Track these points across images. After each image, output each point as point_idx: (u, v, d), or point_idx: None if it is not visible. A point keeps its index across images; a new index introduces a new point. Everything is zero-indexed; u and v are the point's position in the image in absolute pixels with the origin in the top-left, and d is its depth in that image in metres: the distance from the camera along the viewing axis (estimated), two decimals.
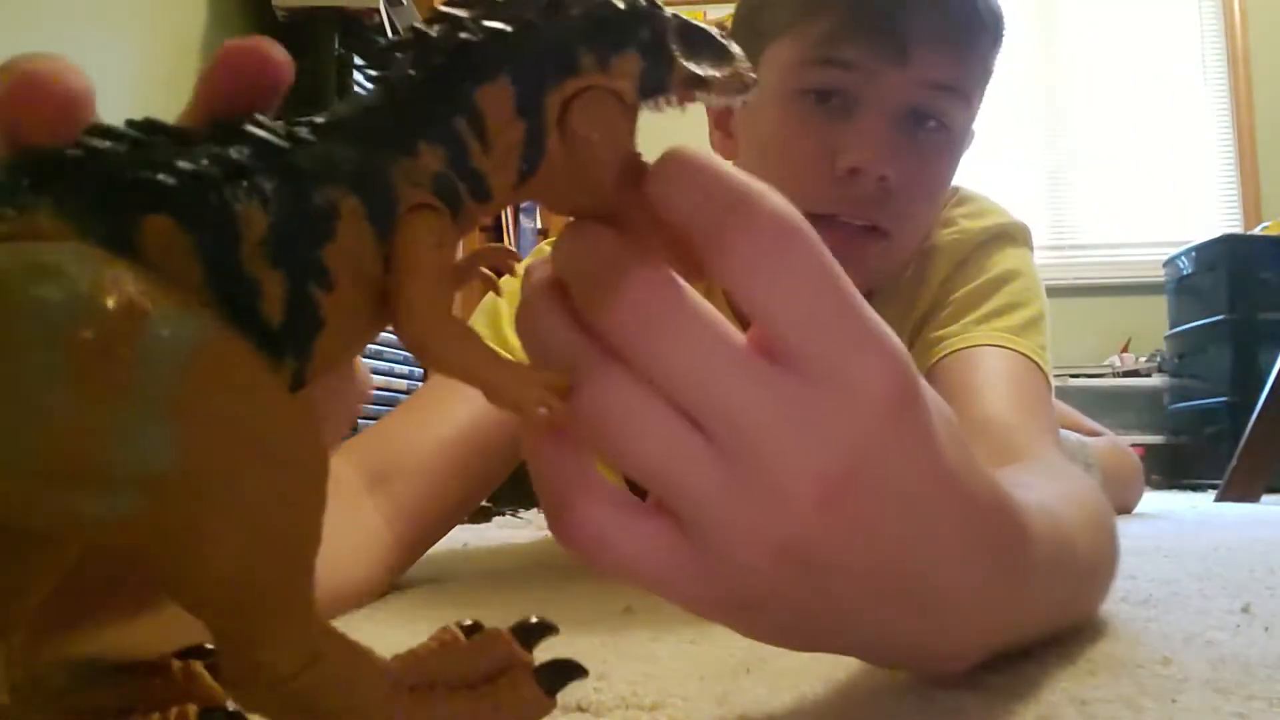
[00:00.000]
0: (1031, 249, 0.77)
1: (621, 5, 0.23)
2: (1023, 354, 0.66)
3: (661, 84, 0.24)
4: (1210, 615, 0.48)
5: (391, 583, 0.61)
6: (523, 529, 1.31)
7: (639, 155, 0.24)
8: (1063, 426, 0.75)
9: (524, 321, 0.25)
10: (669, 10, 0.24)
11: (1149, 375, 2.94)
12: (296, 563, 0.19)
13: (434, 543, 0.66)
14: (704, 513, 0.23)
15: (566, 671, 0.23)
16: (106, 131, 0.19)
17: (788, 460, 0.22)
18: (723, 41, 0.25)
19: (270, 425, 0.19)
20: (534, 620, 0.24)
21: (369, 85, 1.75)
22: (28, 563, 0.20)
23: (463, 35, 0.22)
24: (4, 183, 0.18)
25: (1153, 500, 1.68)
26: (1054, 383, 0.69)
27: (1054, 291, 0.75)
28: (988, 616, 0.29)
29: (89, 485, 0.17)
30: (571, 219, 0.24)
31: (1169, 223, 3.14)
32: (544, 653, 0.24)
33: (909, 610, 0.26)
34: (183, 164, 0.19)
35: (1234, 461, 1.81)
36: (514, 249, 0.31)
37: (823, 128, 0.65)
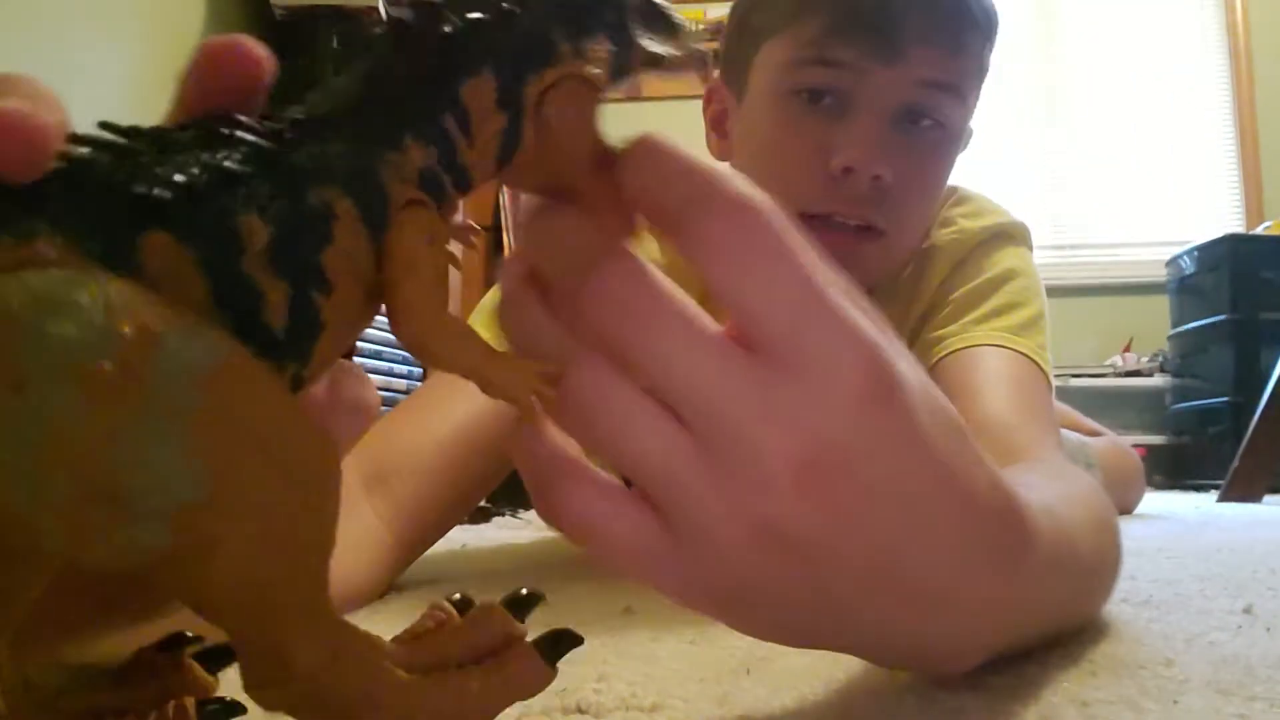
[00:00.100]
0: (1031, 248, 0.77)
1: None
2: (1023, 354, 0.66)
3: (626, 66, 0.24)
4: (1212, 616, 0.48)
5: (390, 583, 0.61)
6: (522, 529, 1.31)
7: (606, 139, 0.24)
8: (1062, 426, 0.75)
9: (505, 315, 0.25)
10: None
11: (1151, 375, 2.94)
12: (316, 566, 0.20)
13: (432, 543, 0.66)
14: (682, 500, 0.23)
15: (564, 641, 0.24)
16: (89, 140, 0.19)
17: (761, 443, 0.22)
18: (671, 16, 0.25)
19: (285, 436, 0.19)
20: (524, 592, 0.25)
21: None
22: (11, 573, 0.20)
23: (445, 28, 0.22)
24: None
25: (1155, 501, 1.68)
26: (1055, 383, 0.69)
27: (1056, 291, 0.75)
28: (989, 616, 0.29)
29: (118, 513, 0.17)
30: (536, 206, 0.25)
31: (1171, 222, 3.14)
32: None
33: (909, 608, 0.26)
34: (178, 176, 0.19)
35: (1236, 462, 1.81)
36: (477, 226, 0.31)
37: (816, 127, 0.64)
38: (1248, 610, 0.49)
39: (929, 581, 0.26)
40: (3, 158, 0.17)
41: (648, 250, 0.24)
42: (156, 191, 0.19)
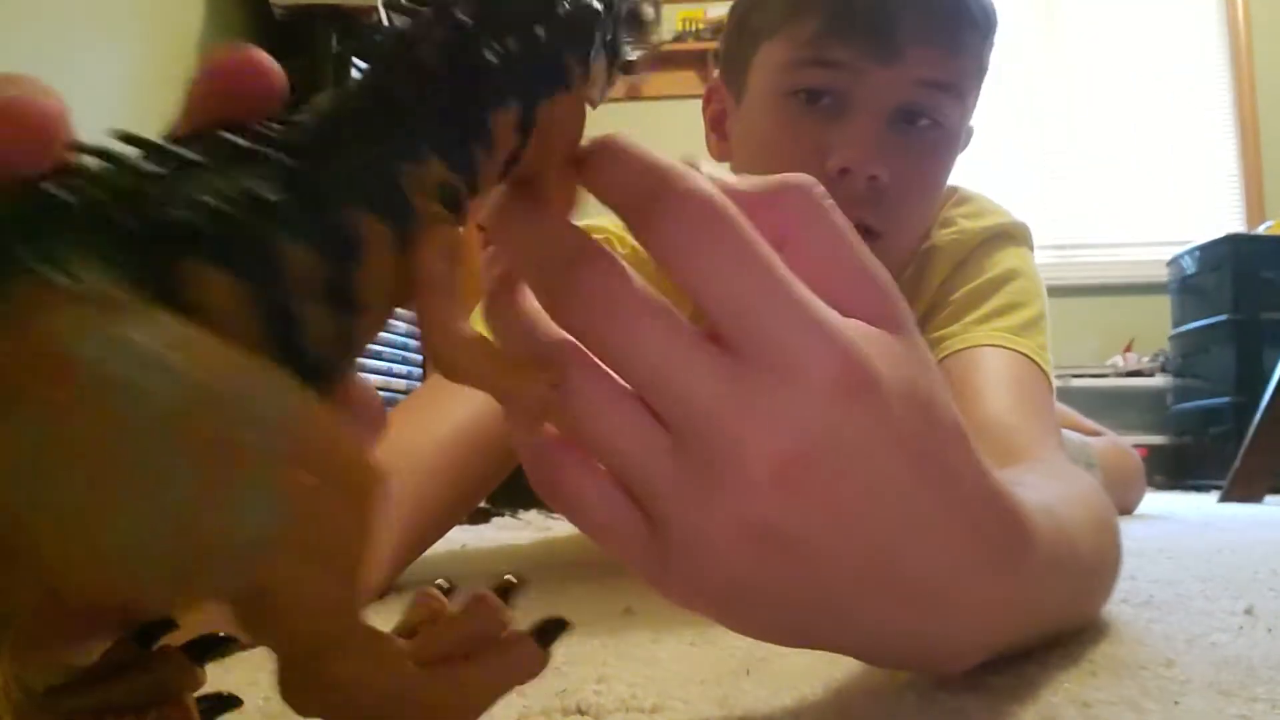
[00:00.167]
0: (1032, 248, 0.77)
1: (597, 3, 0.24)
2: (1023, 354, 0.66)
3: (615, 77, 0.25)
4: (1213, 617, 0.48)
5: (391, 583, 0.61)
6: (522, 530, 1.31)
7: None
8: (1062, 427, 0.75)
9: (488, 315, 0.25)
10: None
11: (1152, 375, 2.94)
12: (360, 579, 0.20)
13: (432, 543, 0.66)
14: (662, 499, 0.24)
15: (555, 627, 0.24)
16: (115, 157, 0.19)
17: (737, 441, 0.22)
18: (649, 20, 0.26)
19: (343, 465, 0.19)
20: (509, 579, 0.26)
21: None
22: (22, 591, 0.20)
23: (489, 58, 0.22)
24: (33, 237, 0.17)
25: (1156, 501, 1.68)
26: (1056, 383, 0.69)
27: (1056, 291, 0.75)
28: (989, 616, 0.29)
29: (202, 564, 0.17)
30: (500, 205, 0.25)
31: (1172, 222, 3.14)
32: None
33: (907, 607, 0.26)
34: (216, 202, 0.19)
35: (1238, 462, 1.81)
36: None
37: (814, 128, 0.64)
38: (1249, 611, 0.48)
39: (926, 580, 0.26)
40: (12, 145, 0.17)
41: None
42: (199, 220, 0.18)
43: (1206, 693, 0.33)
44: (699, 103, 0.79)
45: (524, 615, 0.26)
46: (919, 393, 0.25)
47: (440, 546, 0.70)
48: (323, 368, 0.20)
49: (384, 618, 0.21)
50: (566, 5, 0.23)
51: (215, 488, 0.17)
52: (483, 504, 1.38)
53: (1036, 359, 0.66)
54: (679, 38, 3.18)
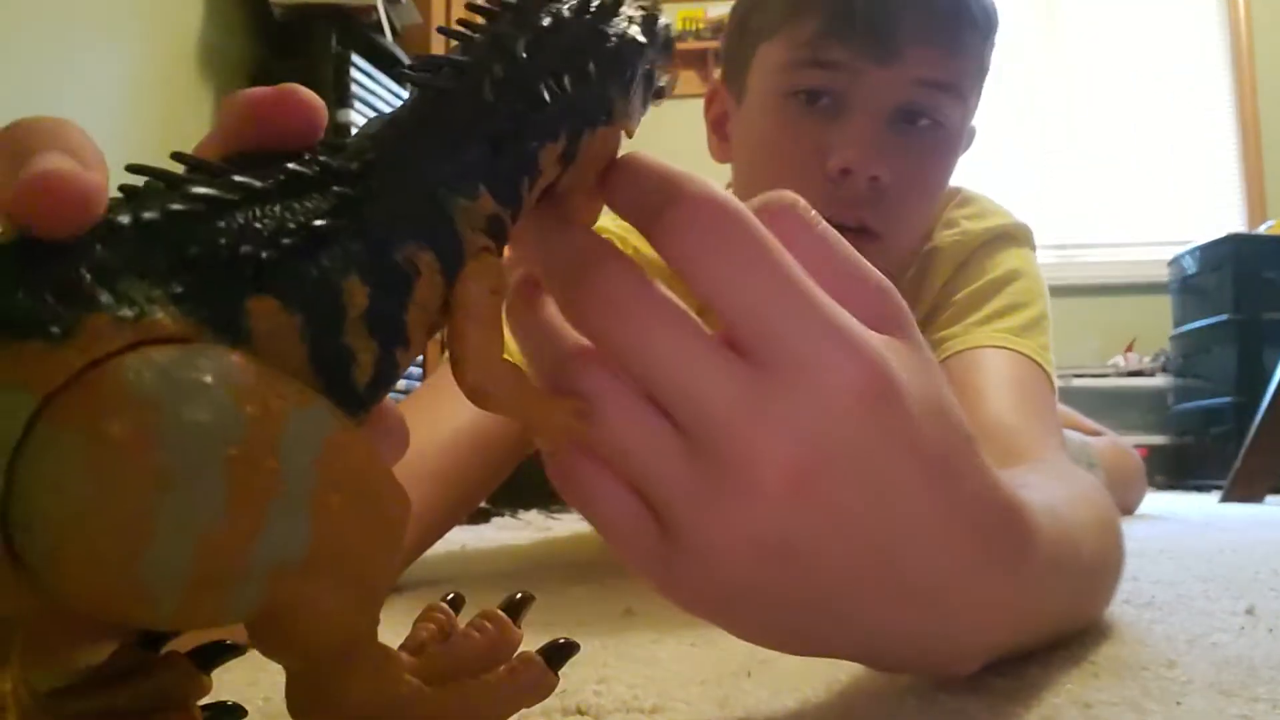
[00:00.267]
0: (1034, 249, 0.76)
1: (641, 36, 0.24)
2: (1025, 355, 0.66)
3: (648, 104, 0.26)
4: (1214, 617, 0.48)
5: (391, 584, 0.61)
6: (522, 530, 1.30)
7: None
8: (1062, 426, 0.75)
9: (510, 320, 0.25)
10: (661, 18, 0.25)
11: (1153, 375, 2.93)
12: (380, 601, 0.20)
13: (432, 544, 0.66)
14: (673, 504, 0.24)
15: (565, 650, 0.24)
16: (173, 181, 0.19)
17: (751, 449, 0.22)
18: (673, 45, 0.26)
19: (374, 493, 0.19)
20: (519, 596, 0.26)
21: (372, 87, 1.72)
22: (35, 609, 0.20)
23: (544, 95, 0.22)
24: (97, 269, 0.17)
25: (1157, 501, 1.68)
26: (1057, 383, 0.69)
27: (1057, 291, 0.74)
28: (992, 618, 0.29)
29: (225, 587, 0.17)
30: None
31: (1173, 222, 3.13)
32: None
33: (911, 610, 0.26)
34: (280, 236, 0.19)
35: (1239, 462, 1.81)
36: None
37: (813, 129, 0.64)
38: (1250, 611, 0.48)
39: (930, 583, 0.26)
40: (49, 218, 0.17)
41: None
42: (263, 254, 0.19)
43: (1208, 693, 0.33)
44: (699, 102, 0.79)
45: (525, 617, 0.26)
46: (934, 398, 0.25)
47: (440, 546, 0.69)
48: (367, 398, 0.20)
49: (384, 617, 0.21)
50: (614, 38, 0.24)
51: (245, 515, 0.17)
52: (483, 504, 1.38)
53: (1038, 360, 0.66)
54: (679, 38, 3.18)
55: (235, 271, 0.18)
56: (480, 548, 1.03)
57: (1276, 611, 0.49)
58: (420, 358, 2.12)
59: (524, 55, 0.22)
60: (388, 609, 0.21)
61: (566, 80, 0.23)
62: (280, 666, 0.20)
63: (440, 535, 0.66)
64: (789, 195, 0.25)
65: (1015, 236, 0.75)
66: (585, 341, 0.24)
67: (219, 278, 0.18)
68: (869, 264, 0.26)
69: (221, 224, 0.19)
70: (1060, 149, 3.23)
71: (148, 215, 0.18)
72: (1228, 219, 3.09)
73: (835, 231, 0.26)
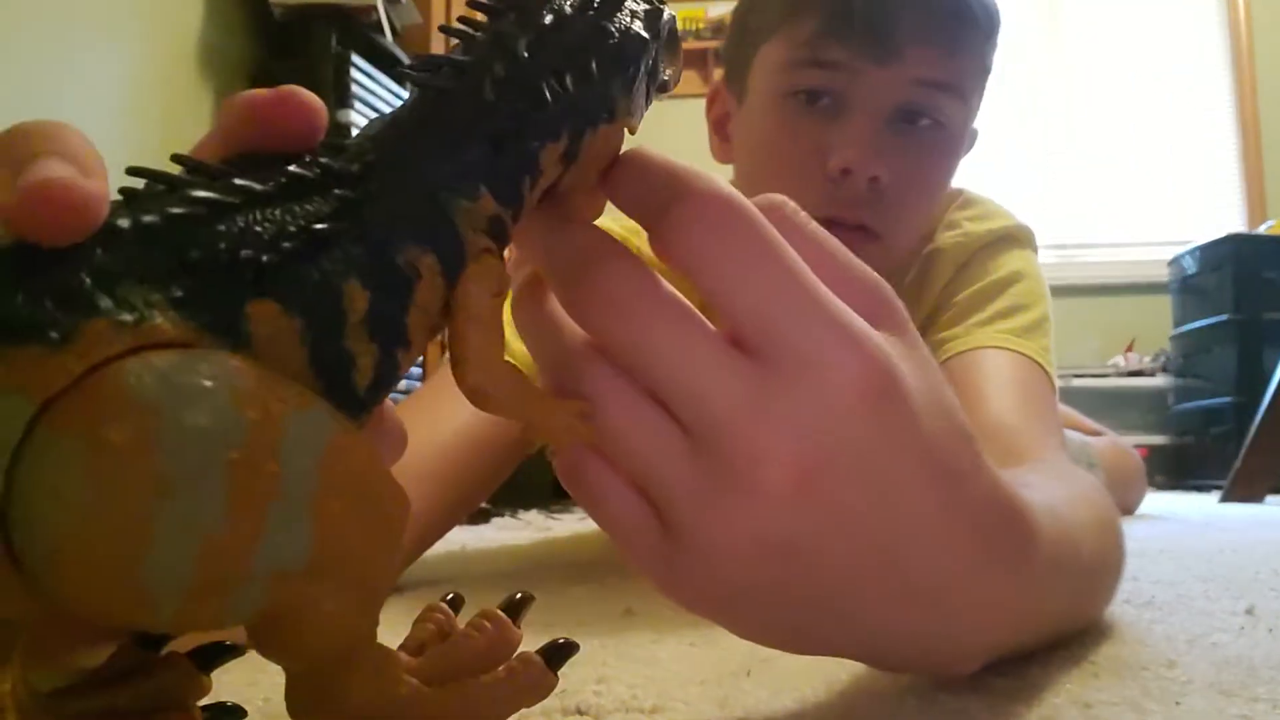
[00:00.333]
0: (1036, 251, 0.76)
1: (644, 32, 0.24)
2: (1026, 356, 0.66)
3: (651, 100, 0.25)
4: (1214, 617, 0.48)
5: (390, 585, 0.61)
6: (522, 530, 1.30)
7: None
8: (1063, 426, 0.75)
9: (515, 320, 0.26)
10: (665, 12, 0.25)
11: (1153, 375, 2.93)
12: (380, 603, 0.20)
13: (432, 545, 0.66)
14: (677, 503, 0.24)
15: (564, 650, 0.24)
16: (173, 182, 0.19)
17: (756, 448, 0.22)
18: (679, 40, 0.26)
19: (375, 495, 0.19)
20: (518, 596, 0.26)
21: (372, 87, 1.71)
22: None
23: (547, 95, 0.22)
24: (98, 273, 0.17)
25: (1157, 501, 1.68)
26: (1058, 383, 0.68)
27: (1057, 291, 0.74)
28: (992, 617, 0.29)
29: (227, 591, 0.17)
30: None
31: (1173, 222, 3.13)
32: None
33: (912, 610, 0.26)
34: (280, 240, 0.19)
35: (1239, 462, 1.81)
36: None
37: (814, 129, 0.64)
38: (1250, 611, 0.48)
39: (932, 582, 0.26)
40: (48, 227, 0.17)
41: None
42: (265, 258, 0.18)
43: (1208, 693, 0.33)
44: (699, 101, 0.79)
45: (525, 617, 0.26)
46: (936, 396, 0.25)
47: (440, 547, 0.70)
48: (367, 401, 0.20)
49: (384, 617, 0.21)
50: (616, 35, 0.23)
51: (245, 520, 0.17)
52: (483, 504, 1.38)
53: (1040, 361, 0.66)
54: (680, 37, 3.18)
55: (235, 275, 0.18)
56: (480, 548, 1.03)
57: (1276, 611, 0.49)
58: (420, 358, 2.12)
59: (525, 54, 0.22)
60: (388, 609, 0.21)
61: (568, 79, 0.23)
62: (280, 667, 0.20)
63: (440, 536, 0.66)
64: (777, 196, 0.25)
65: (1017, 238, 0.75)
66: (589, 339, 0.24)
67: (219, 281, 0.18)
68: (861, 262, 0.26)
69: (222, 227, 0.18)
70: (1060, 149, 3.23)
71: (147, 219, 0.18)
72: (1228, 219, 3.09)
73: (825, 231, 0.26)
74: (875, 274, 0.26)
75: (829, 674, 0.35)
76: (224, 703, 0.23)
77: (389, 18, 1.89)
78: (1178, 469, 2.68)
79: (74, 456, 0.16)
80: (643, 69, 0.24)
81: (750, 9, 0.71)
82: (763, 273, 0.22)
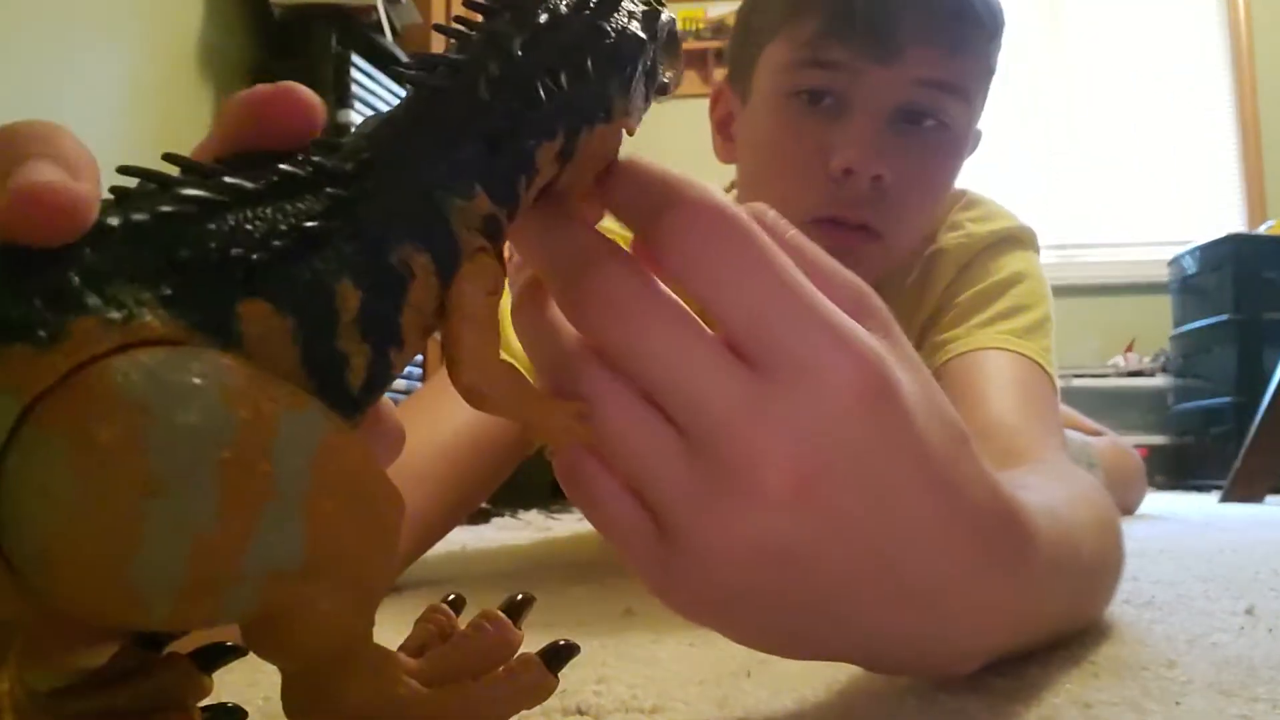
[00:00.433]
0: (1038, 252, 0.76)
1: (641, 33, 0.24)
2: (1027, 357, 0.66)
3: (649, 101, 0.25)
4: (1214, 617, 0.48)
5: (391, 584, 0.61)
6: (522, 530, 1.30)
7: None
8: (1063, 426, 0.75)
9: (515, 320, 0.25)
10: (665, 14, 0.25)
11: (1153, 375, 2.93)
12: (375, 603, 0.20)
13: (432, 545, 0.66)
14: (673, 506, 0.23)
15: (564, 652, 0.24)
16: (165, 182, 0.19)
17: (753, 452, 0.22)
18: (679, 40, 0.26)
19: (369, 495, 0.19)
20: (519, 597, 0.26)
21: (372, 87, 1.71)
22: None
23: (541, 94, 0.22)
24: (88, 272, 0.17)
25: (1157, 501, 1.68)
26: (1058, 384, 0.68)
27: (1057, 291, 0.74)
28: (991, 619, 0.29)
29: (219, 590, 0.17)
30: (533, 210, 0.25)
31: (1173, 222, 3.13)
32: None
33: (910, 612, 0.26)
34: (272, 239, 0.19)
35: (1239, 462, 1.81)
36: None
37: (816, 129, 0.64)
38: (1250, 611, 0.48)
39: (929, 586, 0.26)
40: (37, 230, 0.17)
41: None
42: (256, 257, 0.18)
43: (1208, 693, 0.33)
44: (700, 102, 0.78)
45: (525, 618, 0.26)
46: (929, 397, 0.25)
47: (440, 547, 0.70)
48: (361, 400, 0.20)
49: (384, 617, 0.21)
50: (612, 35, 0.23)
51: (237, 519, 0.17)
52: (483, 504, 1.38)
53: (1040, 361, 0.66)
54: (680, 37, 3.18)
55: (226, 274, 0.18)
56: (480, 548, 1.03)
57: (1276, 611, 0.49)
58: (420, 358, 2.12)
59: (520, 53, 0.22)
60: (387, 609, 0.21)
61: (564, 78, 0.23)
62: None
63: (440, 536, 0.66)
64: (759, 205, 0.26)
65: (1020, 239, 0.75)
66: (587, 341, 0.24)
67: (209, 280, 0.18)
68: (843, 267, 0.26)
69: (212, 226, 0.18)
70: (1061, 149, 3.23)
71: (137, 217, 0.18)
72: (1228, 219, 3.09)
73: (806, 238, 0.26)
74: (858, 278, 0.26)
75: (828, 674, 0.35)
76: (224, 703, 0.23)
77: (389, 17, 1.89)
78: (1178, 469, 2.68)
79: (61, 455, 0.16)
80: (640, 69, 0.24)
81: (753, 9, 0.71)
82: (756, 279, 0.22)
